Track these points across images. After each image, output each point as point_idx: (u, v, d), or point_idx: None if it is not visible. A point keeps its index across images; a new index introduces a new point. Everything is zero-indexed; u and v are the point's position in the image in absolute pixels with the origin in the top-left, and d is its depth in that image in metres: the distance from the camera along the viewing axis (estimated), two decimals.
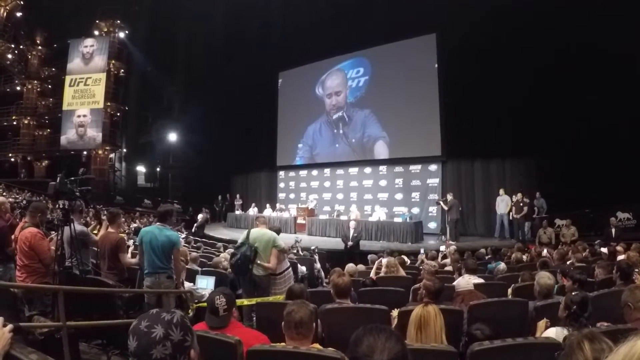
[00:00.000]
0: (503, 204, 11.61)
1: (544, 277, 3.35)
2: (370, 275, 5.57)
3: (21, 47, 23.18)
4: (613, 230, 9.48)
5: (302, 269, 6.91)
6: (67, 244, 3.87)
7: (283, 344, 2.07)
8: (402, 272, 5.66)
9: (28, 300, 3.54)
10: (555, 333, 2.35)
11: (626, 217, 10.39)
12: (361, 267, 6.84)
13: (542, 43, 10.97)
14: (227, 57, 18.91)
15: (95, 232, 5.30)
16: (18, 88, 23.91)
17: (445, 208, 11.80)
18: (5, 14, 21.57)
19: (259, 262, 4.65)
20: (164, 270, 4.02)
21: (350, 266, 5.69)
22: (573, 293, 2.50)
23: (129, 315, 3.76)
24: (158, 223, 4.19)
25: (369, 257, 7.73)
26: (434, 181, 14.00)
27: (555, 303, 3.08)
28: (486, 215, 12.89)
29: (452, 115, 13.17)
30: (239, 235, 5.15)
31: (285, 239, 5.45)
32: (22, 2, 21.84)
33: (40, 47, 23.97)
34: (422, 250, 8.97)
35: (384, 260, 5.94)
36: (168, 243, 4.01)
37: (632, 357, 0.73)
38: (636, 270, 4.18)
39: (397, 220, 12.55)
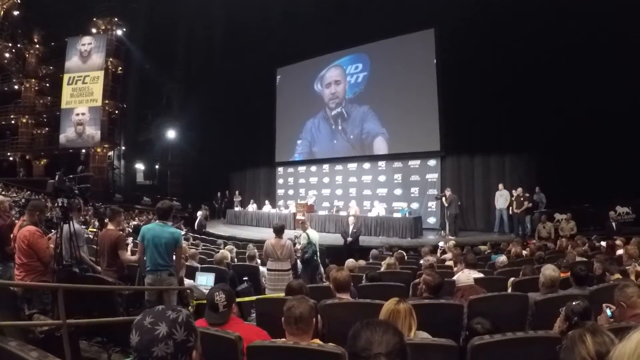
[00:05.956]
0: (502, 198, 11.59)
1: (548, 269, 3.35)
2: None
3: (19, 45, 23.09)
4: (612, 225, 9.47)
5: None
6: (67, 242, 3.86)
7: (283, 339, 2.07)
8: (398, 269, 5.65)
9: (27, 298, 3.53)
10: None
11: (625, 211, 10.38)
12: (362, 262, 6.84)
13: (542, 38, 10.91)
14: (226, 53, 18.82)
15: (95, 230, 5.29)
16: (16, 87, 23.86)
17: (446, 204, 11.79)
18: (2, 12, 21.44)
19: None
20: (166, 267, 4.03)
21: (350, 261, 5.70)
22: (574, 302, 2.29)
23: (129, 312, 3.76)
24: (159, 220, 4.19)
25: (372, 252, 7.72)
26: (433, 176, 13.98)
27: (556, 297, 3.08)
28: (486, 210, 12.87)
29: (451, 110, 13.10)
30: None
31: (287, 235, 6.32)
32: (19, 1, 21.69)
33: (37, 46, 23.88)
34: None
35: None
36: (171, 240, 4.03)
37: None
38: (634, 262, 4.19)
39: (397, 215, 12.55)
